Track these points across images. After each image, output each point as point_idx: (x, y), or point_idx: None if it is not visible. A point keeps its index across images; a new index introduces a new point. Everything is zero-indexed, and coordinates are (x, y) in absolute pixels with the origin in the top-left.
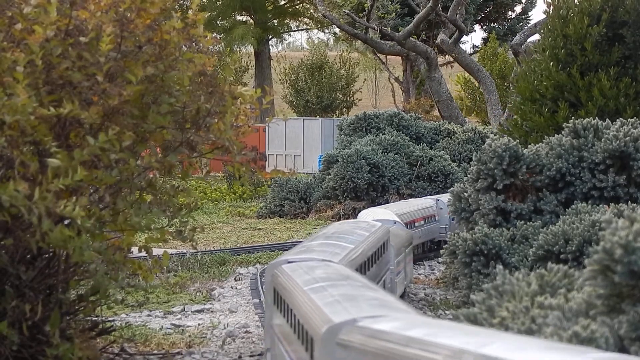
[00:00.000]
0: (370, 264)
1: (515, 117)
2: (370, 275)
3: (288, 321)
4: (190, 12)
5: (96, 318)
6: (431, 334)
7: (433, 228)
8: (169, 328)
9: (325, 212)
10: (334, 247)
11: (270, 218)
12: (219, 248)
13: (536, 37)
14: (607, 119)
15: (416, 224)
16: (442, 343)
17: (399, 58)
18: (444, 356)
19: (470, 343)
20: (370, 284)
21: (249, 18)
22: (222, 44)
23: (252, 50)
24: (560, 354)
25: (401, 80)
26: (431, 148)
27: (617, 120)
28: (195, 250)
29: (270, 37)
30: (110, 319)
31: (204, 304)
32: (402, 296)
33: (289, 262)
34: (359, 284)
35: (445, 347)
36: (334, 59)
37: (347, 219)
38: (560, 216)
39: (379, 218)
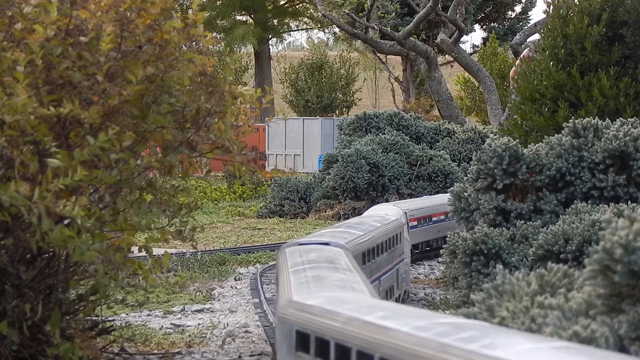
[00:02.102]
0: (379, 251)
1: (515, 116)
2: (380, 261)
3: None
4: (190, 12)
5: (96, 318)
6: (339, 306)
7: None
8: (169, 328)
9: (325, 211)
10: (343, 234)
11: (270, 218)
12: (218, 248)
13: (536, 36)
14: (607, 119)
15: (433, 219)
16: (342, 313)
17: (398, 58)
18: (341, 322)
19: (361, 313)
20: (350, 267)
21: (249, 18)
22: (222, 43)
23: (252, 50)
24: (423, 320)
25: (401, 80)
26: (431, 148)
27: (617, 120)
28: (195, 250)
29: (270, 36)
30: (110, 318)
31: (204, 304)
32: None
33: (300, 244)
34: (340, 267)
35: (343, 315)
36: (334, 59)
37: (347, 218)
38: (560, 216)
39: (376, 213)
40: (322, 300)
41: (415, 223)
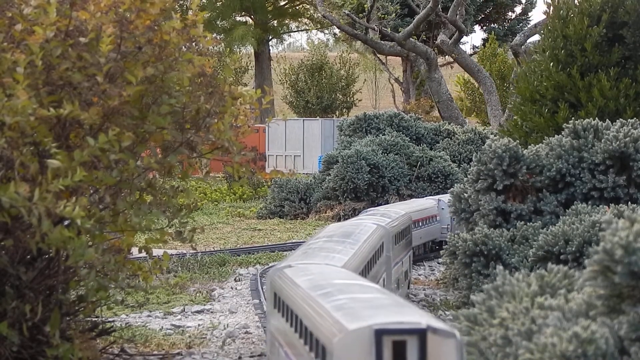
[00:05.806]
0: (402, 237)
1: (515, 117)
2: (401, 246)
3: None
4: (190, 12)
5: (96, 319)
6: (295, 276)
7: None
8: (169, 329)
9: (326, 212)
10: (379, 216)
11: (270, 219)
12: (219, 249)
13: (536, 37)
14: (607, 120)
15: None
16: (289, 276)
17: (398, 59)
18: (284, 284)
19: (298, 277)
20: (352, 242)
21: (249, 19)
22: (222, 44)
23: (252, 50)
24: (324, 281)
25: (401, 80)
26: (431, 149)
27: (617, 120)
28: (195, 251)
29: (270, 37)
30: (110, 319)
31: (204, 305)
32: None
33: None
34: (350, 241)
35: (289, 278)
36: (334, 60)
37: (347, 219)
38: (560, 217)
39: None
40: (292, 269)
41: None
